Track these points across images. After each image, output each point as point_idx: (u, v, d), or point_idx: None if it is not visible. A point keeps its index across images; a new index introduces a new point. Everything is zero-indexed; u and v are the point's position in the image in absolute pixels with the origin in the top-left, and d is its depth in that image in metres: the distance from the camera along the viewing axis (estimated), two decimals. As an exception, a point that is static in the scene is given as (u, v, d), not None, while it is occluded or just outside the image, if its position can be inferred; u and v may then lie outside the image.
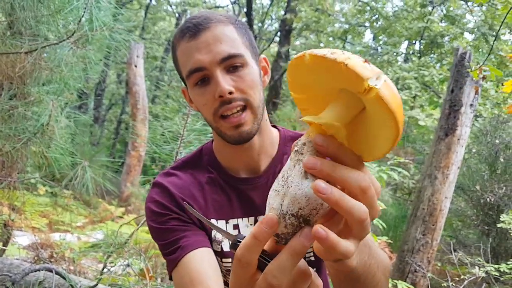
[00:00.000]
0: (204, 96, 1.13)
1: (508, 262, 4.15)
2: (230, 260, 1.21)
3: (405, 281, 4.52)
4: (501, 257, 5.16)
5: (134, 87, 8.85)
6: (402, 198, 8.70)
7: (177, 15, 17.24)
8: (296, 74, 0.67)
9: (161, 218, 1.17)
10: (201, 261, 1.10)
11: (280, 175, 0.64)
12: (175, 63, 1.20)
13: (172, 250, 1.14)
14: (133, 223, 4.52)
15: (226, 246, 1.20)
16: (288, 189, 0.60)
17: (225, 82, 1.09)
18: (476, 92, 4.68)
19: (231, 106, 1.10)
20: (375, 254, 0.84)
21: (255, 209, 1.23)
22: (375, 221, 5.24)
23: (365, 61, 0.58)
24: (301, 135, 1.32)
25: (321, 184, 0.57)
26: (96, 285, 2.74)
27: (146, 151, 7.99)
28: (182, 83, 1.25)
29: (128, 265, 2.99)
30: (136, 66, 8.84)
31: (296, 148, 0.63)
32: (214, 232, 1.19)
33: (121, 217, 6.67)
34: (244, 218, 1.22)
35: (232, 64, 1.12)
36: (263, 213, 1.23)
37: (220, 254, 1.20)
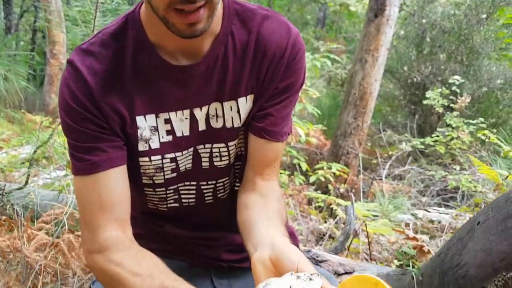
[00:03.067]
0: None
1: (433, 135, 4.43)
2: (159, 157, 1.07)
3: (338, 163, 4.75)
4: (426, 133, 5.49)
5: (44, -12, 7.98)
6: (336, 90, 8.88)
7: None
8: None
9: (74, 115, 0.98)
10: (114, 184, 1.00)
11: None
12: None
13: (81, 158, 1.00)
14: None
15: (154, 143, 1.06)
16: None
17: None
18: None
19: (194, 6, 0.87)
20: None
21: (190, 101, 1.06)
22: (310, 110, 5.34)
23: None
24: (250, 8, 1.14)
25: None
26: (26, 183, 2.63)
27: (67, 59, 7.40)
28: None
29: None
30: (43, -37, 7.90)
31: None
32: (140, 130, 1.04)
33: (48, 127, 6.33)
34: (178, 112, 1.06)
35: None
36: (199, 105, 1.06)
37: (148, 153, 1.06)
